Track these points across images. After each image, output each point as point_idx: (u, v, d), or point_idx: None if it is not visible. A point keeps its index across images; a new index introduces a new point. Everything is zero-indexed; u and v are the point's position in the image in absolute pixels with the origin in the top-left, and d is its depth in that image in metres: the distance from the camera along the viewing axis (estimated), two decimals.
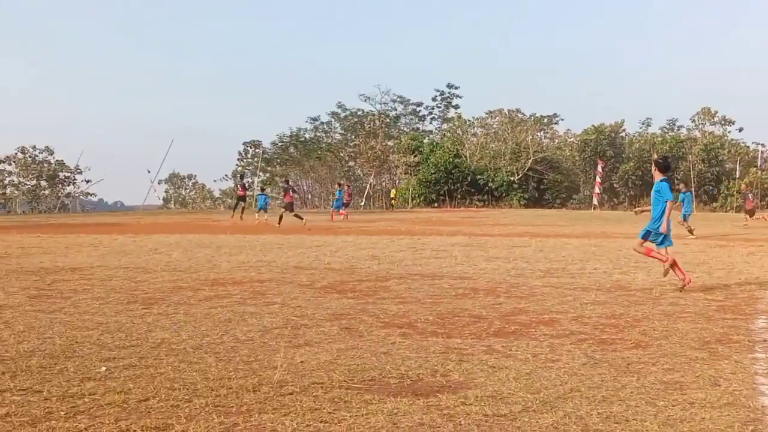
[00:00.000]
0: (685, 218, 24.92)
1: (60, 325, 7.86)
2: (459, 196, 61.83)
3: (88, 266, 13.93)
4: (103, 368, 5.96)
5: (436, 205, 60.75)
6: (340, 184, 40.03)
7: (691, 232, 23.43)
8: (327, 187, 74.11)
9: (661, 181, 10.87)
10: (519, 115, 68.40)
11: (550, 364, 6.23)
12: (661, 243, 10.76)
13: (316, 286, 11.13)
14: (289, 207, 30.98)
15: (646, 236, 10.88)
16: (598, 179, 58.84)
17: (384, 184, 70.82)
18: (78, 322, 8.05)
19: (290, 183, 35.68)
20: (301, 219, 29.73)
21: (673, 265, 10.71)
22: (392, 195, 64.14)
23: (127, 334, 7.40)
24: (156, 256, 16.07)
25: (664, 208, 10.57)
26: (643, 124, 69.66)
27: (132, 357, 6.37)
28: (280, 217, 29.94)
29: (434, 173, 61.16)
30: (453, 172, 61.60)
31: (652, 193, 11.00)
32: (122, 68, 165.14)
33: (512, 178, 62.67)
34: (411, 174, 65.29)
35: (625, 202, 60.17)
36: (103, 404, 4.98)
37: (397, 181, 70.79)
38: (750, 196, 33.97)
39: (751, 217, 31.69)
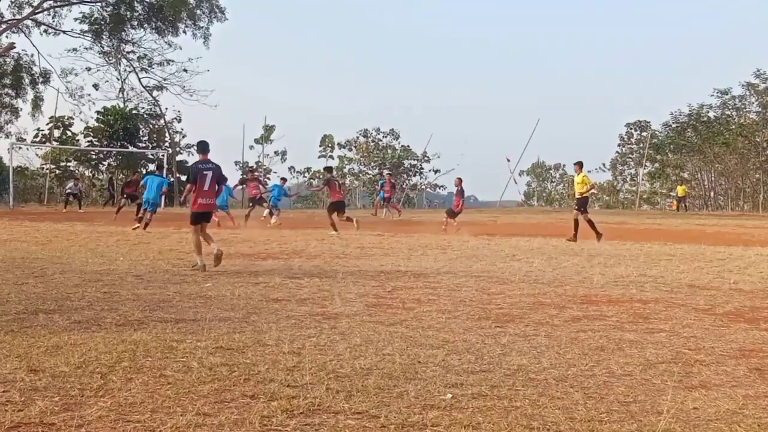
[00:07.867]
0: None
1: (401, 341, 8.39)
2: None
3: (434, 272, 14.72)
4: (449, 395, 6.26)
5: None
6: (381, 174, 39.53)
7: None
8: (736, 182, 70.78)
9: None
10: None
11: None
12: None
13: (718, 312, 10.73)
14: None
15: None
16: None
17: None
18: (421, 338, 8.54)
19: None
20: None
21: None
22: (680, 194, 59.86)
23: (478, 357, 7.70)
24: (513, 264, 16.54)
25: None
26: None
27: (482, 384, 6.62)
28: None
29: None
30: None
31: None
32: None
33: None
34: None
35: None
36: None
37: None
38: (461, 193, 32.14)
39: (453, 218, 31.47)
